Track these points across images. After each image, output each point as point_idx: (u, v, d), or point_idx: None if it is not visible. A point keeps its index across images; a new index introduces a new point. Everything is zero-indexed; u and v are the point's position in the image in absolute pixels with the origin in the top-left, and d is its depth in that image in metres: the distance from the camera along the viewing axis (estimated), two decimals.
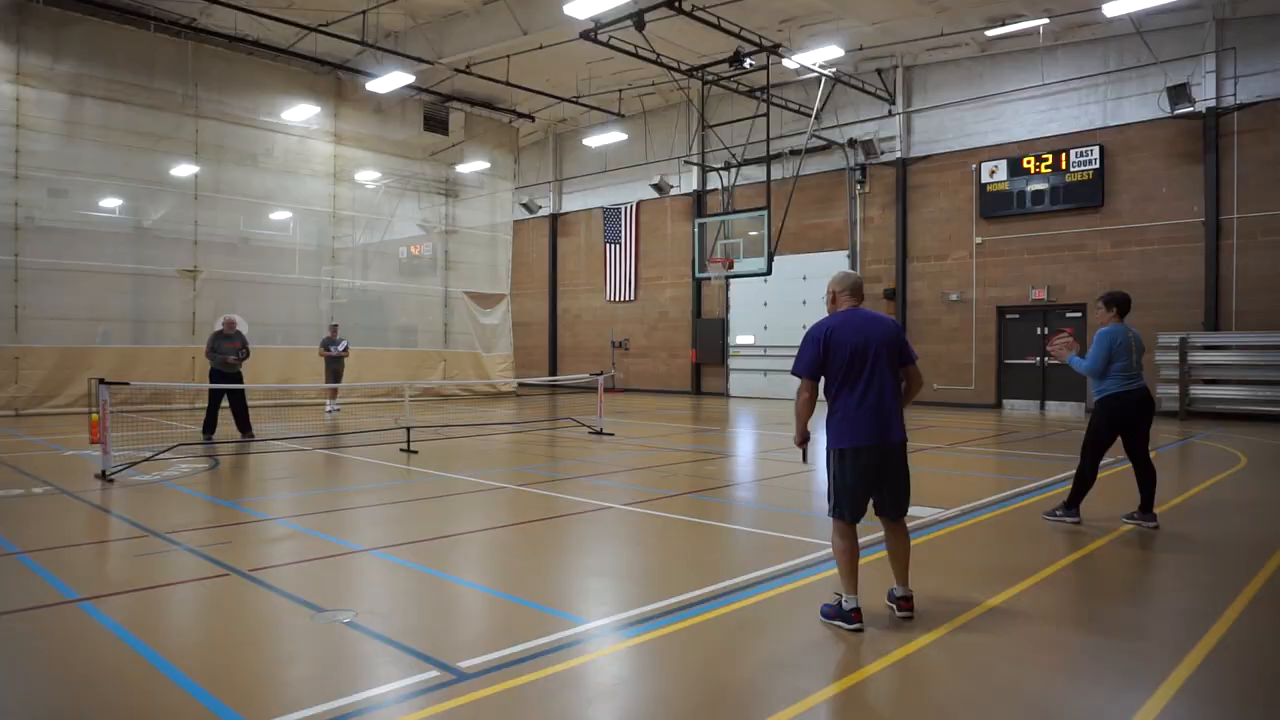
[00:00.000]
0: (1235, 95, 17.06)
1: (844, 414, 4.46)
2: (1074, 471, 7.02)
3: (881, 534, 4.80)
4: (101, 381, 8.93)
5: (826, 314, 4.66)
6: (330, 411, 17.44)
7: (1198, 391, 16.97)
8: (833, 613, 4.41)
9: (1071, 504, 6.96)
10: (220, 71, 18.88)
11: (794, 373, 4.56)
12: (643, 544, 6.35)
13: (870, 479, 4.48)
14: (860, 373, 4.42)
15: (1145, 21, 17.18)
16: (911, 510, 7.16)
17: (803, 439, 4.64)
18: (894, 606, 4.54)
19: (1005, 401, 20.24)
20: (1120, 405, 6.67)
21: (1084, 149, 18.70)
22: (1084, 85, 18.87)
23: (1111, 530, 6.69)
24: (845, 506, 4.48)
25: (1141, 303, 18.05)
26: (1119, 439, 6.86)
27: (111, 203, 18.45)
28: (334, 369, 17.65)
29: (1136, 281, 18.17)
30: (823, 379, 4.54)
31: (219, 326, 12.81)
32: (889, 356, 4.46)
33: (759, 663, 3.98)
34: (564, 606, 4.79)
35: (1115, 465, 10.38)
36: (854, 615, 4.31)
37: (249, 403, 12.70)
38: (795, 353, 4.65)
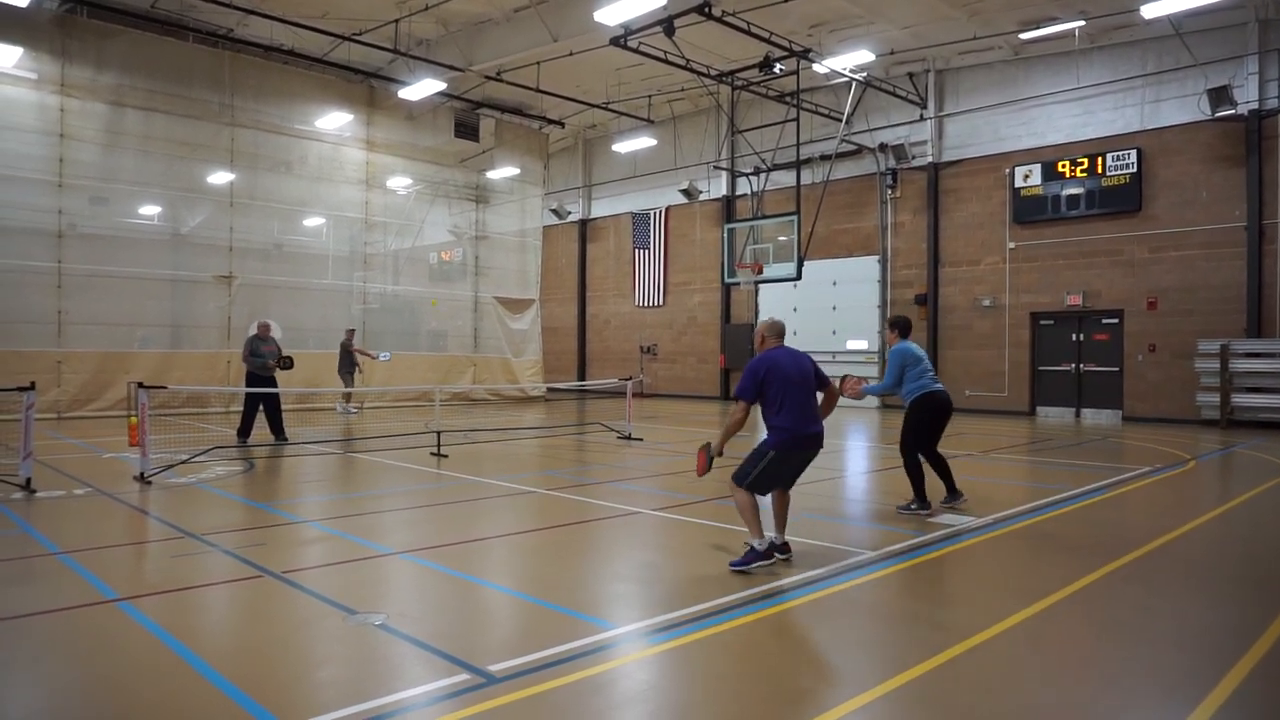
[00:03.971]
0: (1279, 97, 16.70)
1: (785, 422, 5.58)
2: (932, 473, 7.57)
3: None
4: (140, 385, 9.08)
5: (756, 353, 5.91)
6: (351, 412, 18.06)
7: (1240, 400, 16.60)
8: (752, 557, 5.47)
9: (920, 495, 7.49)
10: (256, 81, 19.20)
11: (735, 396, 5.73)
12: (671, 549, 6.34)
13: (796, 467, 5.77)
14: (795, 392, 5.63)
15: (1185, 23, 16.87)
16: (943, 518, 7.17)
17: (719, 452, 5.79)
18: (778, 552, 5.64)
19: (1039, 408, 19.94)
20: (934, 403, 7.51)
21: (1121, 152, 18.40)
22: (1120, 88, 18.57)
23: (1150, 541, 6.56)
24: (762, 485, 5.71)
25: (1180, 308, 17.79)
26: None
27: (150, 210, 18.83)
28: (349, 369, 18.43)
29: (1175, 287, 17.86)
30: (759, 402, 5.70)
31: (254, 330, 12.83)
32: (809, 380, 5.77)
33: (789, 670, 3.95)
34: (593, 611, 4.79)
35: (1149, 477, 10.19)
36: (770, 550, 5.54)
37: (282, 406, 12.86)
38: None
